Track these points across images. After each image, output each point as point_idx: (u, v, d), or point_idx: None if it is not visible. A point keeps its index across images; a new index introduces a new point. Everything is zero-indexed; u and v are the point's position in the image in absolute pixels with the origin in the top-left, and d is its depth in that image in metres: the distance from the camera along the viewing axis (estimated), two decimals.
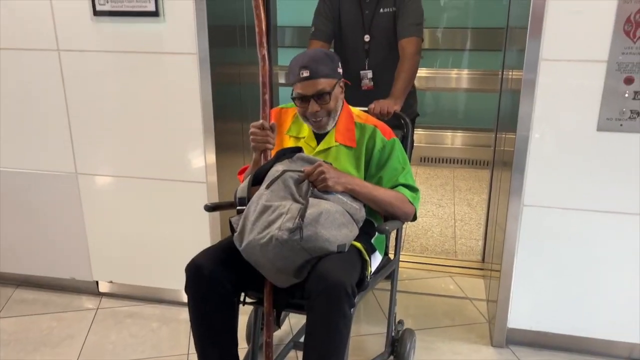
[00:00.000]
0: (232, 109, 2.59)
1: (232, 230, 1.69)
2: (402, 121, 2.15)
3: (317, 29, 2.52)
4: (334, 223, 1.60)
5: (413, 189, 1.84)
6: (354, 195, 1.72)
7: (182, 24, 2.21)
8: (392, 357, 2.14)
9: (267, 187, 1.64)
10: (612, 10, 1.83)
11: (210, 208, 1.92)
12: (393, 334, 2.14)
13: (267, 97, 1.73)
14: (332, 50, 2.59)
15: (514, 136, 2.08)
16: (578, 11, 1.86)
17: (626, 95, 1.89)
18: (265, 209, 1.60)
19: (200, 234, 2.45)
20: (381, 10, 2.45)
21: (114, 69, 2.33)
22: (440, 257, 3.16)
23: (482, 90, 4.74)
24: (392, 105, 2.18)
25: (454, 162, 4.89)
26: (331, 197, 1.66)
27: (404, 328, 2.23)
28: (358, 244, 1.72)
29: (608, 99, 1.91)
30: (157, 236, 2.55)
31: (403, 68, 2.35)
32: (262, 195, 1.63)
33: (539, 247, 2.17)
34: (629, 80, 1.87)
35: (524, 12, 2.01)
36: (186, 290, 1.68)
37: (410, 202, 1.82)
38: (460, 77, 4.80)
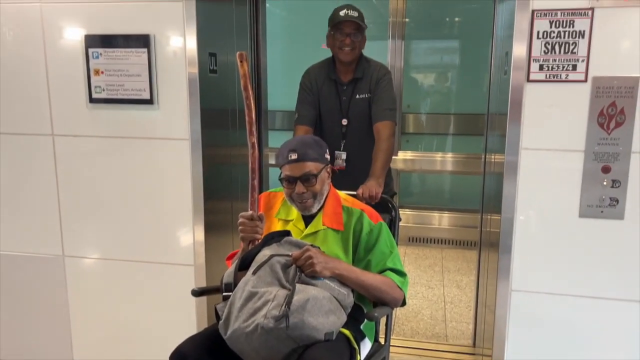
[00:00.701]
0: (223, 189, 2.62)
1: (218, 317, 1.66)
2: (390, 205, 2.19)
3: (300, 114, 2.64)
4: (322, 310, 1.57)
5: (401, 274, 1.83)
6: (341, 280, 1.71)
7: (176, 111, 2.29)
8: None
9: (254, 272, 1.63)
10: (585, 103, 1.94)
11: (197, 293, 1.90)
12: None
13: (255, 182, 1.78)
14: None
15: (499, 218, 2.12)
16: (552, 104, 1.97)
17: (604, 183, 1.96)
18: (251, 295, 1.58)
19: (186, 319, 2.39)
20: (357, 96, 2.60)
21: (106, 153, 2.38)
22: (431, 342, 3.10)
23: (466, 172, 4.86)
24: (377, 188, 2.25)
25: (442, 243, 4.91)
26: (319, 282, 1.64)
27: None
28: (346, 332, 1.69)
29: (588, 187, 1.98)
30: (142, 320, 2.49)
31: (381, 148, 2.45)
32: (248, 281, 1.62)
33: (529, 332, 2.15)
34: (606, 169, 1.95)
35: (504, 98, 2.12)
36: None
37: (399, 287, 1.81)
38: (444, 160, 4.92)
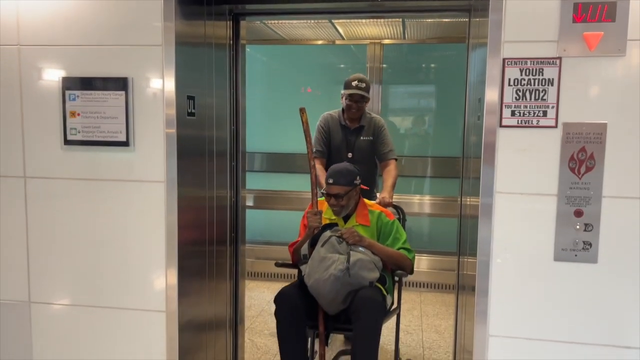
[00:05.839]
0: (197, 232, 2.58)
1: (300, 275, 2.81)
2: (397, 210, 3.34)
3: (317, 150, 3.62)
4: (366, 267, 2.61)
5: (409, 251, 2.86)
6: (372, 250, 2.71)
7: (152, 153, 2.27)
8: None
9: (322, 245, 2.66)
10: (556, 148, 1.98)
11: (279, 264, 3.02)
12: None
13: (316, 190, 2.81)
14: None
15: (476, 260, 2.12)
16: (524, 149, 2.01)
17: (577, 227, 1.98)
18: (323, 259, 2.60)
19: None
20: (361, 138, 3.63)
21: (79, 196, 2.34)
22: None
23: (444, 215, 4.89)
24: (389, 199, 3.42)
25: (420, 286, 4.88)
26: (362, 250, 2.61)
27: None
28: (379, 285, 2.73)
29: (561, 230, 2.00)
30: None
31: (390, 175, 3.58)
32: (319, 250, 2.64)
33: None
34: (578, 213, 1.98)
35: (478, 143, 2.15)
36: (276, 314, 2.65)
37: (409, 258, 2.84)
38: (422, 202, 4.96)
